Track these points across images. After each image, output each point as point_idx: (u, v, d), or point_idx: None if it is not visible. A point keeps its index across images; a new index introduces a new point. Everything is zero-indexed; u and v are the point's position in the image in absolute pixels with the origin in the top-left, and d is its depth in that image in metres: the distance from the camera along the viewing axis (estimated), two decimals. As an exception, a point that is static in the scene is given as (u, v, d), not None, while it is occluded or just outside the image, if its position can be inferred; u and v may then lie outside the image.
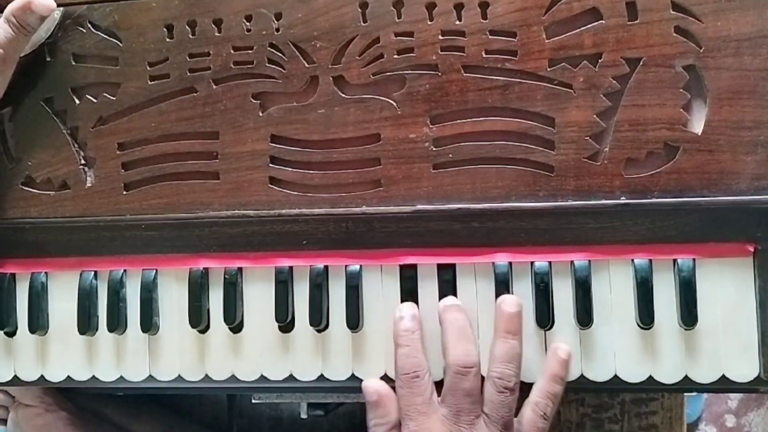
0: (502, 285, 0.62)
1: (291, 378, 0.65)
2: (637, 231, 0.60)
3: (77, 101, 0.68)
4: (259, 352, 0.65)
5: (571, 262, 0.61)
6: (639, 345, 0.61)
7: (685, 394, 0.90)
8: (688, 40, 0.59)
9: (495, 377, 0.59)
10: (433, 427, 0.59)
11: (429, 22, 0.62)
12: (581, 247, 0.61)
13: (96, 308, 0.68)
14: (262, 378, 0.66)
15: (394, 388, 0.62)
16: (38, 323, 0.69)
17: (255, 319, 0.66)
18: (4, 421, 0.80)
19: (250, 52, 0.65)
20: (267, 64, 0.65)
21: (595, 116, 0.60)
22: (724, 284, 0.60)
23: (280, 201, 0.65)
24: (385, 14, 0.63)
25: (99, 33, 0.67)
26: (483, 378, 0.60)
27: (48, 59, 0.68)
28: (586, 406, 0.88)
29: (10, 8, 0.64)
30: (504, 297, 0.61)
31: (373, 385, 0.62)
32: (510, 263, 0.62)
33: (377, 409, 0.62)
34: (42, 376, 0.70)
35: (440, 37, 0.62)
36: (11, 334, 0.70)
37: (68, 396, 0.80)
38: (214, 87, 0.66)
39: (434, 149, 0.63)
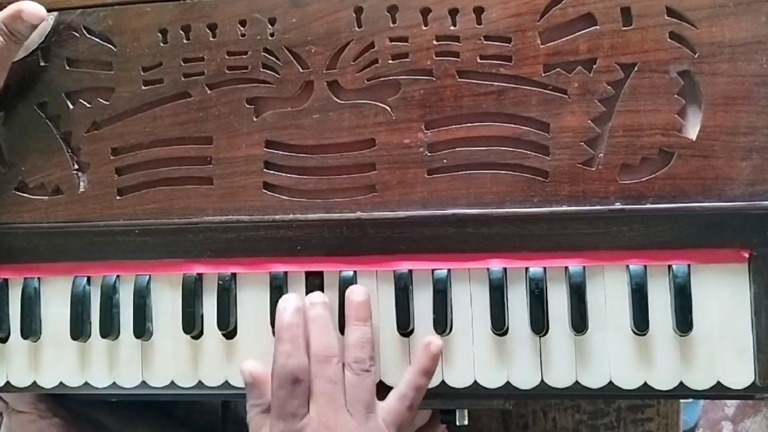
0: (497, 291, 0.61)
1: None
2: (631, 237, 0.60)
3: (71, 106, 0.68)
4: (253, 358, 0.65)
5: (566, 267, 0.61)
6: (634, 351, 0.60)
7: (681, 400, 0.89)
8: (683, 46, 0.59)
9: (351, 362, 0.61)
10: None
11: (423, 28, 0.62)
12: (576, 252, 0.61)
13: (89, 314, 0.68)
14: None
15: None
16: (31, 329, 0.68)
17: (249, 324, 0.66)
18: (-1, 426, 0.80)
19: (244, 57, 0.65)
20: (261, 69, 0.65)
21: (589, 122, 0.60)
22: (720, 290, 0.60)
23: (274, 206, 0.64)
24: (379, 19, 0.63)
25: (93, 38, 0.67)
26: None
27: (42, 64, 0.68)
28: (581, 413, 0.88)
29: (1, 16, 0.64)
30: (351, 288, 0.63)
31: (247, 367, 0.63)
32: (505, 269, 0.62)
33: (253, 390, 0.63)
34: (34, 382, 0.69)
35: (435, 43, 0.62)
36: (4, 339, 0.70)
37: (62, 402, 0.79)
38: (209, 92, 0.65)
39: (429, 154, 0.62)
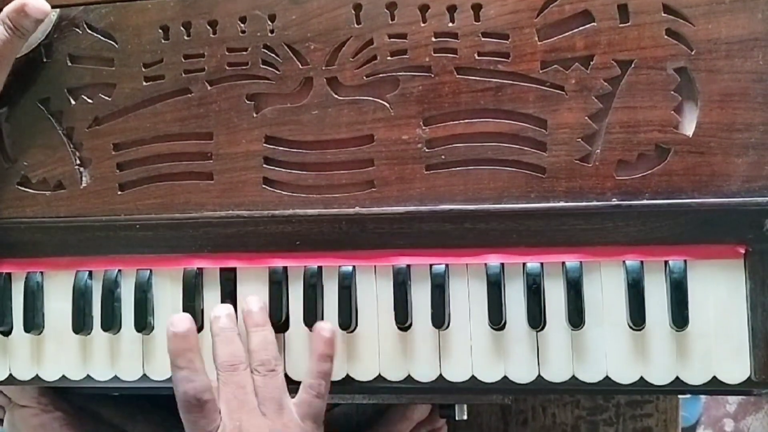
0: (495, 286, 0.62)
1: (285, 378, 0.65)
2: (628, 232, 0.60)
3: (73, 102, 0.68)
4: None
5: (563, 263, 0.61)
6: (630, 346, 0.61)
7: (681, 397, 0.90)
8: (680, 43, 0.59)
9: (257, 366, 0.63)
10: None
11: (422, 24, 0.63)
12: (573, 248, 0.61)
13: (91, 308, 0.69)
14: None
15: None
16: (33, 322, 0.69)
17: (248, 319, 0.66)
18: (0, 422, 0.80)
19: (244, 53, 0.65)
20: (261, 66, 0.65)
21: (586, 118, 0.61)
22: (716, 286, 0.60)
23: (273, 202, 0.65)
24: (378, 16, 0.63)
25: (95, 34, 0.68)
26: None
27: (44, 60, 0.69)
28: (581, 409, 0.88)
29: (5, 11, 0.65)
30: (248, 298, 0.65)
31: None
32: (502, 264, 0.62)
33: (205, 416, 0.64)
34: (37, 375, 0.70)
35: (433, 39, 0.62)
36: (7, 333, 0.70)
37: (64, 396, 0.80)
38: (209, 88, 0.66)
39: (427, 150, 0.63)
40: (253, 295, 0.66)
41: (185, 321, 0.64)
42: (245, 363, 0.63)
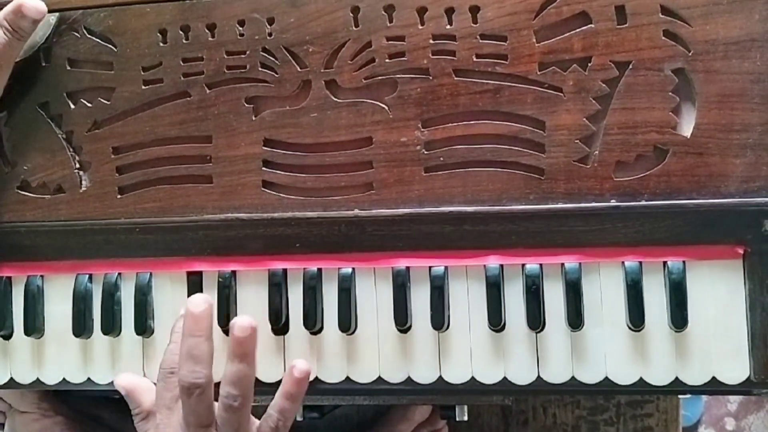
0: (494, 287, 0.62)
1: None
2: (627, 233, 0.60)
3: (72, 106, 0.69)
4: (252, 354, 0.66)
5: (562, 264, 0.61)
6: (629, 347, 0.61)
7: (682, 396, 0.90)
8: (677, 44, 0.59)
9: (223, 396, 0.60)
10: (172, 424, 0.62)
11: (420, 27, 0.63)
12: (572, 249, 0.61)
13: (91, 311, 0.69)
14: (257, 381, 0.65)
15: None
16: (34, 326, 0.69)
17: (248, 321, 0.66)
18: (2, 427, 0.81)
19: (243, 56, 0.66)
20: (260, 69, 0.65)
21: (585, 119, 0.61)
22: (714, 286, 0.60)
23: (273, 204, 0.65)
24: (376, 19, 0.63)
25: (94, 38, 0.68)
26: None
27: (43, 64, 0.69)
28: (581, 409, 0.88)
29: (2, 14, 0.65)
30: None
31: (120, 381, 0.65)
32: (501, 266, 0.62)
33: (130, 401, 0.65)
34: (37, 378, 0.70)
35: (431, 41, 0.63)
36: (7, 336, 0.70)
37: (65, 401, 0.80)
38: (208, 91, 0.66)
39: (426, 152, 0.63)
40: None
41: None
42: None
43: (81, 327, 0.68)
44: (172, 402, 0.62)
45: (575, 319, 0.61)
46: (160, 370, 0.63)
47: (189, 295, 0.66)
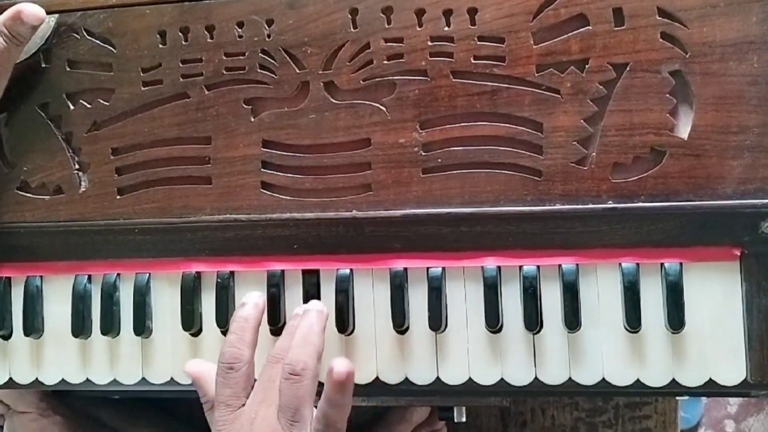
0: (491, 288, 0.62)
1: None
2: (624, 235, 0.60)
3: (72, 107, 0.69)
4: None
5: (559, 265, 0.61)
6: (626, 348, 0.61)
7: (680, 398, 0.90)
8: (674, 46, 0.60)
9: (285, 365, 0.60)
10: (241, 420, 0.60)
11: (418, 28, 0.63)
12: (569, 251, 0.61)
13: (90, 312, 0.69)
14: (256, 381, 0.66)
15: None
16: (33, 326, 0.69)
17: (247, 322, 0.66)
18: (1, 428, 0.81)
19: (241, 58, 0.66)
20: (258, 70, 0.65)
21: (582, 121, 0.61)
22: (711, 288, 0.60)
23: (271, 205, 0.65)
24: (374, 20, 0.64)
25: (93, 39, 0.68)
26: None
27: (43, 65, 0.69)
28: (579, 410, 0.88)
29: (1, 19, 0.65)
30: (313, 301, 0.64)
31: (187, 367, 0.65)
32: (499, 267, 0.62)
33: (198, 389, 0.64)
34: (37, 378, 0.70)
35: (429, 43, 0.63)
36: (6, 337, 0.71)
37: (64, 401, 0.80)
38: (207, 92, 0.66)
39: (423, 154, 0.63)
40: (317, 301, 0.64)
41: (257, 297, 0.64)
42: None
43: (80, 327, 0.68)
44: (233, 399, 0.61)
45: (572, 320, 0.61)
46: (219, 364, 0.62)
47: (184, 296, 0.67)
